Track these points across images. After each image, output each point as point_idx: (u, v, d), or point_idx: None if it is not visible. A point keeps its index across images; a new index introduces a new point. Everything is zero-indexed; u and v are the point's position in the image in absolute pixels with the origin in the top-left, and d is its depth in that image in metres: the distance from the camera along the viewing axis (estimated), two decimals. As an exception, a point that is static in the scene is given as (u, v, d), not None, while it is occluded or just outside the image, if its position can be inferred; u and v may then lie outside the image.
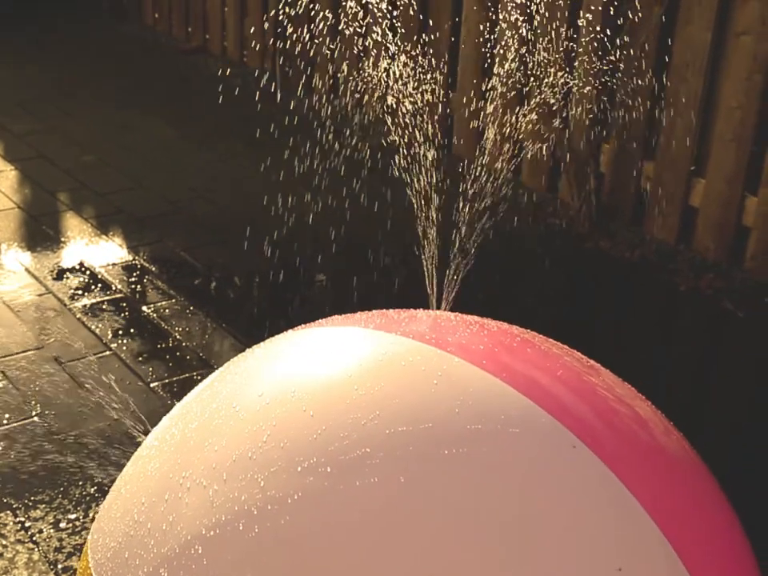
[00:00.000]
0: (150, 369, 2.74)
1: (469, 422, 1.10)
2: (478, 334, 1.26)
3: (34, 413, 2.51)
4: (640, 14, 3.27)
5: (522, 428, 1.10)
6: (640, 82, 3.40)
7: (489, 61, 3.89)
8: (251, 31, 5.35)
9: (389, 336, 1.24)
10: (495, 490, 1.07)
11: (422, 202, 1.86)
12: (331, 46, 4.58)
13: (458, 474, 1.07)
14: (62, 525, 2.15)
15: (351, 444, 1.08)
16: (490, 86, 3.56)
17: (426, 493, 1.06)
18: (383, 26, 4.09)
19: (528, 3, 3.02)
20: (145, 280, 3.24)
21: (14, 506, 2.20)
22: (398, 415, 1.10)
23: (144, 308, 3.06)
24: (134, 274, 3.27)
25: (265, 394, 1.18)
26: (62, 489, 2.26)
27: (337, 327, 1.33)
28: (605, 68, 3.23)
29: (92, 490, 2.25)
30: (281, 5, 4.74)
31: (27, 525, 2.15)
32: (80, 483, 2.27)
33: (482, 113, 4.06)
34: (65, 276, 3.24)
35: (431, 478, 1.07)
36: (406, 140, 2.03)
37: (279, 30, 5.06)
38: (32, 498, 2.22)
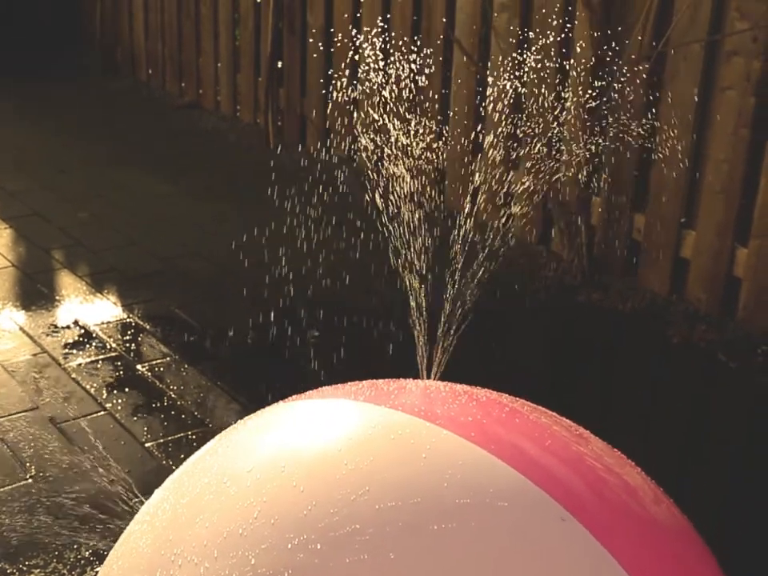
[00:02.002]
0: (145, 428, 2.74)
1: (457, 495, 1.10)
2: (467, 405, 1.27)
3: (28, 475, 2.51)
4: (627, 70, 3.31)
5: (510, 501, 1.11)
6: (628, 135, 3.43)
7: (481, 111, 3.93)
8: (244, 86, 5.42)
9: (378, 408, 1.25)
10: (484, 564, 1.07)
11: (413, 260, 1.88)
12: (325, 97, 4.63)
13: (448, 549, 1.07)
14: (57, 590, 2.15)
15: (341, 520, 1.09)
16: (481, 140, 3.58)
17: (416, 568, 1.07)
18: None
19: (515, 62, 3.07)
20: (139, 338, 3.25)
21: (9, 571, 2.19)
22: (387, 490, 1.11)
23: (139, 366, 3.06)
24: (129, 332, 3.28)
25: (255, 470, 1.19)
26: (56, 553, 2.25)
27: (327, 399, 1.34)
28: (595, 123, 3.26)
29: (87, 553, 2.24)
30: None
31: (21, 590, 2.14)
32: (75, 547, 2.27)
33: (473, 168, 4.10)
34: (59, 334, 3.24)
35: (421, 553, 1.07)
36: (396, 195, 2.05)
37: (272, 85, 5.12)
38: (26, 563, 2.22)
